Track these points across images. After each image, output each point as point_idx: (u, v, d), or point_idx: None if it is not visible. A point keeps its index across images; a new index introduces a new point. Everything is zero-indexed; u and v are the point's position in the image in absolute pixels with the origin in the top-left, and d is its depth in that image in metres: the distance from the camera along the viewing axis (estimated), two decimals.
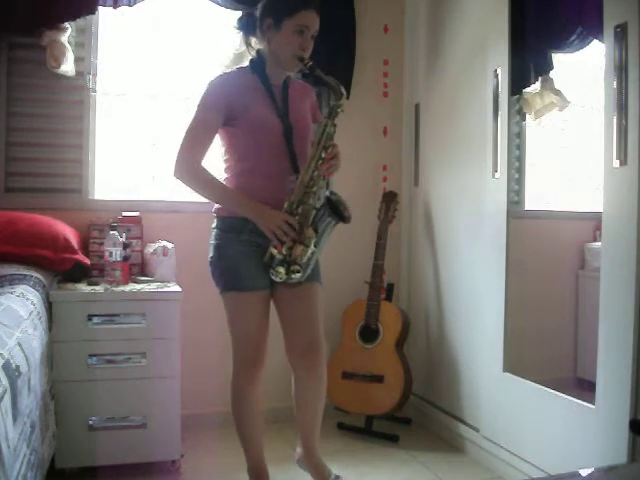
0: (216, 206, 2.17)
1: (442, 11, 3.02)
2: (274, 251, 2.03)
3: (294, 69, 2.13)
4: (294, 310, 2.18)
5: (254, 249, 2.08)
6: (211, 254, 2.17)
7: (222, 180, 2.15)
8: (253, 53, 2.17)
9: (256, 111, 2.07)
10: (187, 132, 2.07)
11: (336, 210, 2.04)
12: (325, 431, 2.39)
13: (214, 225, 2.17)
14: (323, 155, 2.03)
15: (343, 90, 2.06)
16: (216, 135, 2.11)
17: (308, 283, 2.14)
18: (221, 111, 2.06)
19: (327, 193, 2.07)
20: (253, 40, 2.18)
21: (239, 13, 2.94)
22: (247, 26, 2.16)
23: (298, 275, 2.04)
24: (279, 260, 2.04)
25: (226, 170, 2.16)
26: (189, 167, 2.07)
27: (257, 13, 2.12)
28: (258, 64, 2.13)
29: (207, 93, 2.08)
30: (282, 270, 2.03)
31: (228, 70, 2.17)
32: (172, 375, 2.46)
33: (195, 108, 2.09)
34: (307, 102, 2.22)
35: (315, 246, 2.03)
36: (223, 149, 2.15)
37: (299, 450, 2.31)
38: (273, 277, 2.06)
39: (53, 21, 2.67)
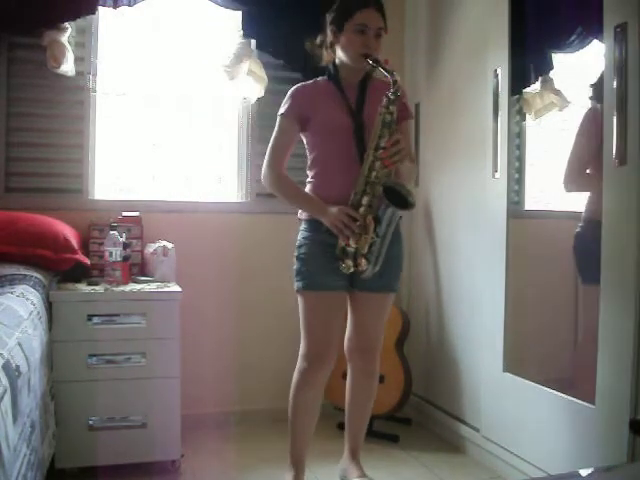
0: (299, 211, 2.26)
1: (442, 11, 3.02)
2: (342, 243, 2.08)
3: (362, 67, 2.18)
4: (364, 316, 2.29)
5: (328, 250, 2.13)
6: (294, 253, 2.24)
7: (307, 180, 2.26)
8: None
9: (325, 112, 2.17)
10: (271, 141, 2.23)
11: (398, 196, 2.04)
12: (325, 431, 2.40)
13: (301, 227, 2.25)
14: (382, 144, 2.05)
15: (398, 78, 2.06)
16: (296, 142, 2.24)
17: (384, 294, 2.26)
18: (295, 117, 2.19)
19: (384, 181, 2.07)
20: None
21: (239, 13, 2.98)
22: (324, 45, 2.28)
23: (365, 266, 2.07)
24: (351, 253, 2.07)
25: (308, 169, 2.27)
26: (270, 175, 2.21)
27: (326, 30, 2.23)
28: (331, 71, 2.23)
29: (284, 102, 2.22)
30: (350, 262, 2.08)
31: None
32: (172, 375, 2.46)
33: (277, 118, 2.23)
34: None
35: (377, 236, 2.04)
36: (307, 152, 2.27)
37: (344, 456, 2.41)
38: (341, 269, 2.10)
39: (53, 21, 2.67)
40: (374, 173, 2.06)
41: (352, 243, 2.06)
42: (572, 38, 2.79)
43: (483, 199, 2.65)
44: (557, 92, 2.88)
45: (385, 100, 2.06)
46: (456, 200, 2.91)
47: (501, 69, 2.53)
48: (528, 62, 2.82)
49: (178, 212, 3.01)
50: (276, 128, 2.22)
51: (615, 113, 1.96)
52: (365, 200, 2.07)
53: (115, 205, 2.90)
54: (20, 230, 2.49)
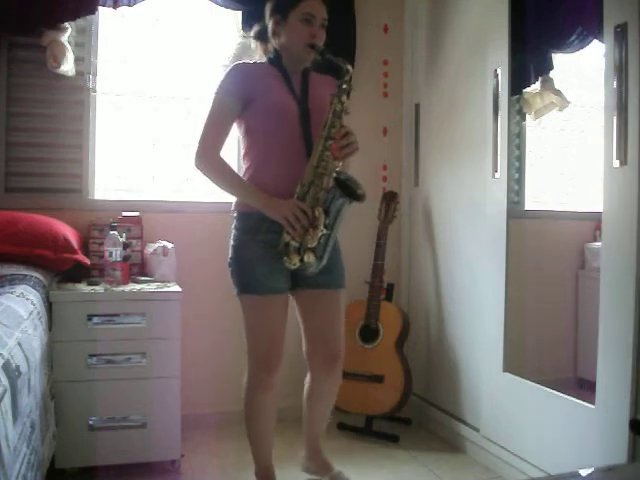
0: (234, 202, 2.15)
1: (442, 11, 3.02)
2: (287, 238, 2.00)
3: (307, 57, 2.11)
4: (319, 317, 2.20)
5: (271, 250, 2.04)
6: (229, 255, 2.13)
7: (242, 169, 2.14)
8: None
9: (273, 95, 2.07)
10: (206, 121, 2.07)
11: (347, 189, 1.99)
12: (325, 431, 2.39)
13: (233, 225, 2.14)
14: (332, 134, 2.00)
15: (349, 67, 2.01)
16: (233, 123, 2.10)
17: (334, 289, 2.18)
18: (239, 96, 2.06)
19: (334, 174, 2.01)
20: (270, 46, 2.19)
21: (239, 13, 2.98)
22: (262, 35, 2.18)
23: (312, 261, 2.00)
24: (294, 248, 2.00)
25: (243, 158, 2.15)
26: (208, 157, 2.06)
27: (266, 19, 2.15)
28: (275, 57, 2.15)
29: (224, 80, 2.08)
30: (296, 258, 2.00)
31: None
32: (172, 375, 2.46)
33: (212, 96, 2.09)
34: (328, 92, 2.16)
35: (326, 228, 1.98)
36: (240, 137, 2.15)
37: (304, 454, 2.36)
38: (287, 265, 2.02)
39: (53, 21, 2.67)
40: (323, 164, 1.99)
41: (298, 238, 1.98)
42: (572, 38, 2.80)
43: (483, 199, 2.65)
44: (557, 92, 2.88)
45: (337, 89, 2.01)
46: (456, 200, 2.91)
47: (501, 69, 2.53)
48: (528, 62, 2.83)
49: (178, 212, 3.01)
50: (213, 107, 2.07)
51: (615, 113, 1.96)
52: (312, 192, 1.99)
53: (115, 205, 2.90)
54: (20, 230, 2.49)
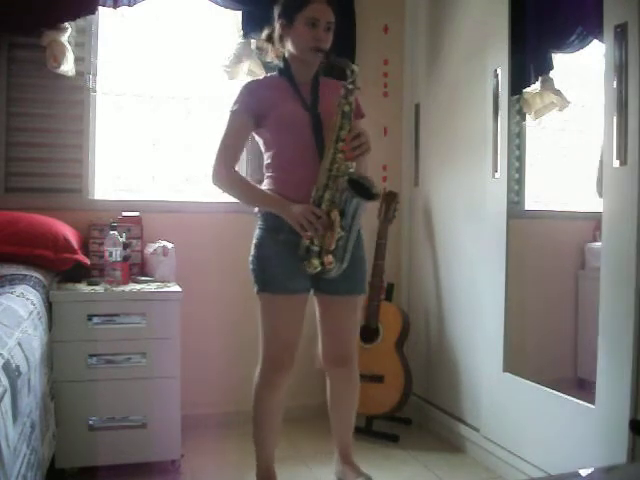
0: None
1: (442, 11, 3.02)
2: (306, 242, 2.00)
3: (314, 61, 2.13)
4: (334, 321, 2.24)
5: (291, 250, 2.04)
6: (251, 253, 2.16)
7: (265, 178, 2.18)
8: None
9: (282, 107, 2.11)
10: (221, 140, 2.14)
11: (362, 189, 1.98)
12: (325, 431, 2.39)
13: (258, 224, 2.18)
14: (342, 136, 2.01)
15: (354, 67, 2.02)
16: (249, 138, 2.18)
17: (352, 296, 2.20)
18: (249, 114, 2.11)
19: (347, 175, 2.01)
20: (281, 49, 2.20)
21: (239, 13, 2.98)
22: (272, 38, 2.20)
23: (332, 264, 1.99)
24: (315, 252, 1.99)
25: (265, 169, 2.19)
26: (222, 174, 2.13)
27: (274, 23, 2.16)
28: (284, 67, 2.18)
29: (236, 99, 2.14)
30: (316, 262, 2.00)
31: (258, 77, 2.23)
32: (172, 375, 2.46)
33: (227, 115, 2.15)
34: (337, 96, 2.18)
35: (343, 230, 1.98)
36: (263, 150, 2.20)
37: (335, 457, 2.37)
38: (308, 270, 2.02)
39: (53, 21, 2.67)
40: (336, 166, 2.00)
41: (316, 242, 1.99)
42: (572, 38, 2.80)
43: (483, 199, 2.65)
44: (557, 92, 2.88)
45: (343, 91, 2.02)
46: (456, 200, 2.91)
47: (501, 69, 2.53)
48: (528, 62, 2.83)
49: (178, 212, 3.00)
50: (228, 125, 2.13)
51: (615, 113, 1.96)
52: (328, 195, 2.00)
53: (115, 205, 2.90)
54: (20, 230, 2.49)
